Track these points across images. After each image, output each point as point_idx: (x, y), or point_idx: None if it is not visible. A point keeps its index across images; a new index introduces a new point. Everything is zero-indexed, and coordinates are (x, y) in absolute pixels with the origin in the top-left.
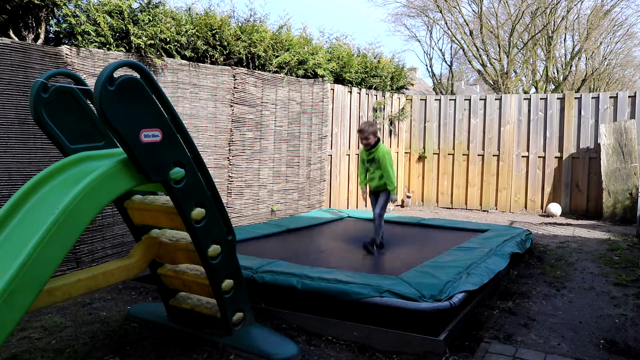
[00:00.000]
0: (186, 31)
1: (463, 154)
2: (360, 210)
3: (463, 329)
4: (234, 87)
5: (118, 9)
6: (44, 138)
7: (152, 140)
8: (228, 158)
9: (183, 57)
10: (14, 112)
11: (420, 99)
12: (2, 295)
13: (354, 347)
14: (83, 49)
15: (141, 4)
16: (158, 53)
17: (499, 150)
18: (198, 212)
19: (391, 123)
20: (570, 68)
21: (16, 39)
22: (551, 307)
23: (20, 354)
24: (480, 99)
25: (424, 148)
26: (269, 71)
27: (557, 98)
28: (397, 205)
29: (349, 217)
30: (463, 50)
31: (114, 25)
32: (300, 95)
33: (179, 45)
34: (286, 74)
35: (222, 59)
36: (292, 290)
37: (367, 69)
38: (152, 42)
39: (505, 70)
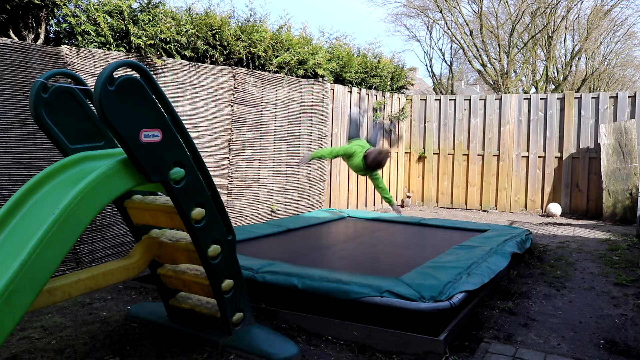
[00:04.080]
0: (186, 31)
1: (463, 154)
2: (360, 210)
3: (463, 329)
4: (234, 87)
5: (118, 9)
6: (44, 138)
7: (152, 140)
8: (228, 158)
9: (183, 57)
10: (14, 112)
11: (420, 99)
12: (2, 295)
13: (354, 347)
14: (83, 49)
15: (141, 4)
16: (158, 53)
17: (499, 150)
18: (198, 212)
19: (391, 123)
20: (570, 68)
21: (16, 39)
22: (551, 307)
23: (20, 354)
24: (480, 99)
25: (424, 148)
26: (269, 71)
27: (557, 98)
28: (397, 205)
29: (349, 217)
30: (463, 50)
31: (114, 25)
32: (300, 95)
33: (179, 45)
34: (286, 74)
35: (222, 59)
36: (293, 290)
37: (367, 69)
38: (152, 42)
39: (505, 70)
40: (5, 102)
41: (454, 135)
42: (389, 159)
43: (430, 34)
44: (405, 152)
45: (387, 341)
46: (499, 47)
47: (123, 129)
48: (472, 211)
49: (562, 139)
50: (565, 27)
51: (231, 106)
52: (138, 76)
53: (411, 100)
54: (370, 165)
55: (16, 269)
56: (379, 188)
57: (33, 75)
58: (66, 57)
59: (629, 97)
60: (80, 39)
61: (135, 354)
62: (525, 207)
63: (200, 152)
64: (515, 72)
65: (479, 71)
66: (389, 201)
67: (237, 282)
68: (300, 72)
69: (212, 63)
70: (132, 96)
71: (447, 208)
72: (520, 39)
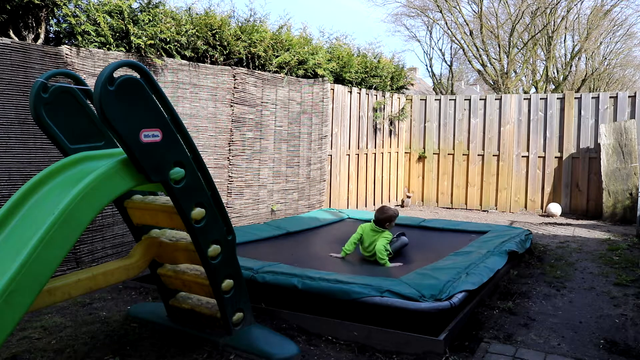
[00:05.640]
0: (186, 31)
1: (463, 154)
2: (360, 210)
3: (463, 329)
4: (234, 87)
5: (118, 9)
6: (44, 138)
7: (152, 140)
8: (228, 158)
9: (183, 57)
10: (14, 112)
11: (420, 99)
12: (2, 295)
13: (354, 347)
14: (83, 49)
15: (141, 4)
16: (158, 53)
17: (499, 150)
18: (198, 212)
19: (391, 123)
20: (570, 68)
21: (16, 39)
22: (551, 307)
23: (20, 354)
24: (480, 99)
25: (424, 148)
26: (269, 71)
27: (557, 98)
28: (397, 205)
29: (349, 217)
30: (463, 50)
31: (114, 25)
32: (300, 95)
33: (179, 45)
34: (286, 74)
35: (222, 59)
36: (293, 290)
37: (367, 69)
38: (152, 42)
39: (505, 70)
40: (5, 102)
41: (454, 135)
42: (394, 215)
43: (430, 34)
44: (405, 152)
45: (387, 341)
46: (499, 47)
47: (123, 129)
48: (472, 211)
49: (562, 139)
50: (565, 27)
51: (231, 106)
52: (138, 76)
53: (411, 100)
54: (379, 218)
55: (16, 269)
56: (379, 247)
57: (33, 75)
58: (66, 57)
59: (629, 97)
60: (80, 39)
61: (135, 354)
62: (525, 207)
63: (200, 152)
64: (515, 72)
65: (479, 71)
66: (383, 264)
67: (237, 282)
68: (300, 72)
69: (212, 63)
70: (132, 96)
71: (447, 208)
72: (520, 39)
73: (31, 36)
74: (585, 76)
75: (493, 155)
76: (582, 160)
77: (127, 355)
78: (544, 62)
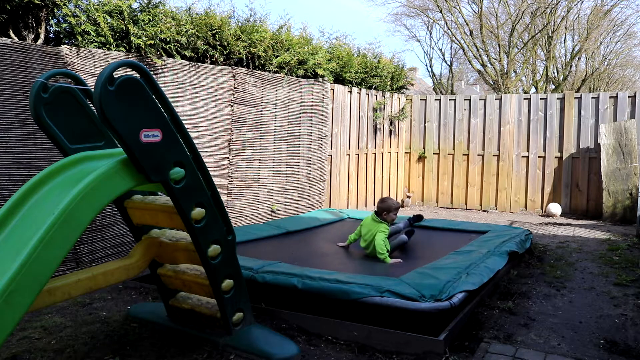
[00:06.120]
0: (186, 31)
1: (463, 154)
2: (360, 210)
3: (463, 329)
4: (234, 87)
5: (118, 9)
6: (44, 138)
7: (152, 140)
8: (228, 158)
9: (183, 57)
10: (14, 112)
11: (420, 99)
12: (2, 295)
13: (354, 347)
14: (83, 49)
15: (141, 4)
16: (158, 53)
17: (499, 150)
18: (198, 212)
19: (391, 123)
20: (570, 68)
21: (16, 39)
22: (551, 307)
23: (20, 354)
24: (480, 99)
25: (424, 148)
26: (269, 71)
27: (557, 98)
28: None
29: (349, 217)
30: (463, 50)
31: (114, 25)
32: (300, 95)
33: (179, 45)
34: (286, 74)
35: (222, 59)
36: (293, 290)
37: (367, 69)
38: (152, 42)
39: (505, 70)
40: (5, 102)
41: (454, 135)
42: (392, 205)
43: (430, 34)
44: (405, 152)
45: (387, 341)
46: (499, 47)
47: (123, 129)
48: (472, 211)
49: (562, 139)
50: (565, 27)
51: (231, 106)
52: (138, 76)
53: (411, 100)
54: (378, 207)
55: (16, 269)
56: (378, 241)
57: (33, 75)
58: (66, 57)
59: (629, 97)
60: (80, 39)
61: (135, 354)
62: (525, 207)
63: (200, 152)
64: (515, 72)
65: (479, 71)
66: (383, 260)
67: (237, 282)
68: (300, 72)
69: (212, 63)
70: (132, 96)
71: (447, 208)
72: (520, 39)
73: (31, 36)
74: (585, 76)
75: (493, 155)
76: (582, 160)
77: (127, 355)
78: (544, 62)
